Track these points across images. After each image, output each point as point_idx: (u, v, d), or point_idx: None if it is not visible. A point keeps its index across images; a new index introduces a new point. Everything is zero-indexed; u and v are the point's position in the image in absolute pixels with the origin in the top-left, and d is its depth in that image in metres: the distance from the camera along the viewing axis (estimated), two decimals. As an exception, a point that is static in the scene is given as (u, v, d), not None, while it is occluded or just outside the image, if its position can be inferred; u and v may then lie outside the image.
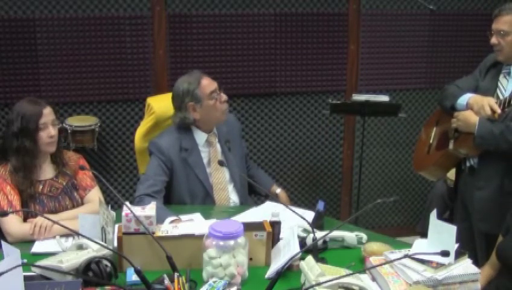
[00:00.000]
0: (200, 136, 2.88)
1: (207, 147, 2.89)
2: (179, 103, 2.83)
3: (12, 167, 2.52)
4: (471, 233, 2.83)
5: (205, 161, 2.88)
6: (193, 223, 2.38)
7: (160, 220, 2.31)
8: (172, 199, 2.86)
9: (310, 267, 1.94)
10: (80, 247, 2.11)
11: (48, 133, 2.52)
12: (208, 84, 2.82)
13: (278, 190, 3.10)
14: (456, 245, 2.03)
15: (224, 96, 2.85)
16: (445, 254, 1.85)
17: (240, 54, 3.97)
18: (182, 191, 2.84)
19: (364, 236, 2.37)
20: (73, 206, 2.62)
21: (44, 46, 3.65)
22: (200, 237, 2.10)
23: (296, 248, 2.08)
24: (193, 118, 2.82)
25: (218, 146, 2.93)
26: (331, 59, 4.13)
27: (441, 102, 2.98)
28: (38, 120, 2.50)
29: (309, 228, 2.26)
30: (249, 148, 4.09)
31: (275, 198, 2.91)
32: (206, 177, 2.87)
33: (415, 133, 4.30)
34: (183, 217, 2.50)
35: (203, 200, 2.86)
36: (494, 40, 2.68)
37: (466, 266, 2.03)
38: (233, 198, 2.93)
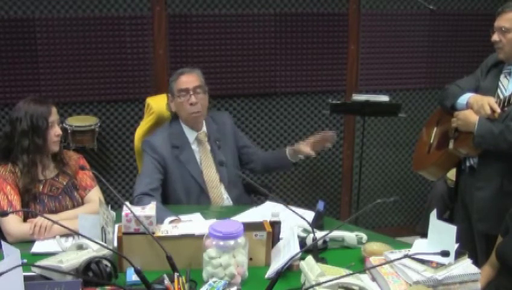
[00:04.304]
0: (190, 134, 2.89)
1: (198, 146, 2.90)
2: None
3: (22, 165, 2.51)
4: (472, 233, 2.83)
5: (197, 158, 2.89)
6: (193, 223, 2.38)
7: (159, 220, 2.31)
8: (168, 197, 2.86)
9: (310, 267, 1.94)
10: (80, 247, 2.11)
11: (55, 131, 2.55)
12: (183, 81, 2.82)
13: (294, 146, 2.96)
14: (456, 245, 2.03)
15: (192, 99, 2.79)
16: (445, 254, 1.85)
17: (240, 54, 3.97)
18: (177, 189, 2.85)
19: (364, 236, 2.37)
20: (74, 206, 2.62)
21: (44, 46, 3.65)
22: (200, 237, 2.10)
23: (296, 248, 2.08)
24: (170, 107, 2.89)
25: (207, 145, 2.93)
26: (331, 59, 4.13)
27: (441, 101, 2.98)
28: (48, 118, 2.52)
29: (309, 228, 2.26)
30: (249, 148, 4.09)
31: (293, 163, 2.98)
32: (200, 174, 2.87)
33: (415, 133, 4.29)
34: (183, 217, 2.50)
35: (198, 197, 2.87)
36: (495, 37, 2.68)
37: (466, 266, 2.03)
38: (227, 196, 2.93)
